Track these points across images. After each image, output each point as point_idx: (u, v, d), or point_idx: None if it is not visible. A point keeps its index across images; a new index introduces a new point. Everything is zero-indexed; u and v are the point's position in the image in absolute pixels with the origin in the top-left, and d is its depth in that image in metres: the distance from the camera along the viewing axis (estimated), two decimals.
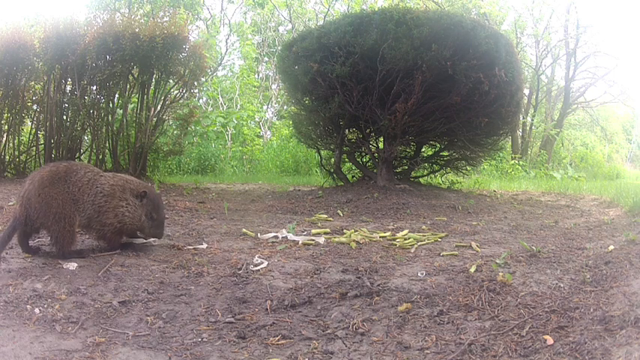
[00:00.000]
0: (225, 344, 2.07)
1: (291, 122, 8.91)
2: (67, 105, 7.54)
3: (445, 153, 7.44)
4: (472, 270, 2.90)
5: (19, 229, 2.97)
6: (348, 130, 7.14)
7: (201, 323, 2.26)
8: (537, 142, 18.05)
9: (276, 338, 2.11)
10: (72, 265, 2.87)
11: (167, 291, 2.61)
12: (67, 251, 3.00)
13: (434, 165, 7.62)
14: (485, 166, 12.53)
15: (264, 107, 17.53)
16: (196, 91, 12.16)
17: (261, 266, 3.02)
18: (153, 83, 7.63)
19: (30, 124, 8.10)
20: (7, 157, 7.55)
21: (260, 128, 16.04)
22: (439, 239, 3.88)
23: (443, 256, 3.33)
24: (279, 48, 11.31)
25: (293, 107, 8.03)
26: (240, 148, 13.69)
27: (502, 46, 6.03)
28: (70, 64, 7.01)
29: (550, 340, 1.91)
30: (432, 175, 7.94)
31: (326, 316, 2.35)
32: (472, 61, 5.67)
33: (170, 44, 7.01)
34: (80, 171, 3.14)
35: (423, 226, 4.43)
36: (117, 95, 7.60)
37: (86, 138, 8.34)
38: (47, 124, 7.35)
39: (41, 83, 7.58)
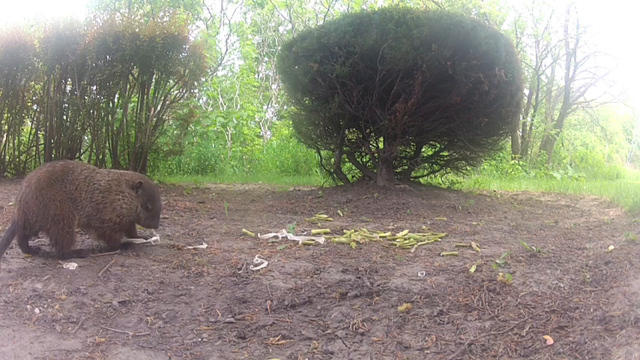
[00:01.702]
0: (225, 344, 2.07)
1: (291, 122, 8.90)
2: (67, 105, 7.54)
3: (445, 153, 7.43)
4: (472, 270, 2.90)
5: (17, 233, 2.96)
6: (348, 130, 7.14)
7: (201, 323, 2.26)
8: (537, 142, 18.05)
9: (276, 338, 2.11)
10: (72, 265, 2.87)
11: (167, 291, 2.61)
12: (66, 252, 3.00)
13: (434, 165, 7.62)
14: (485, 166, 12.52)
15: (264, 107, 17.53)
16: (196, 91, 12.17)
17: (261, 266, 3.02)
18: (153, 83, 7.63)
19: (30, 124, 8.10)
20: (7, 157, 7.55)
21: (260, 128, 16.04)
22: (439, 239, 3.88)
23: (443, 256, 3.33)
24: (279, 48, 11.31)
25: (293, 107, 8.03)
26: (240, 148, 13.69)
27: (502, 46, 6.03)
28: (70, 64, 7.01)
29: (550, 340, 1.91)
30: (432, 175, 7.94)
31: (326, 316, 2.35)
32: (472, 61, 5.67)
33: (170, 44, 7.01)
34: (76, 169, 3.13)
35: (423, 226, 4.43)
36: (117, 95, 7.60)
37: (86, 138, 8.34)
38: (47, 124, 7.35)
39: (41, 83, 7.59)
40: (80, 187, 3.07)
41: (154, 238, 3.61)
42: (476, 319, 2.22)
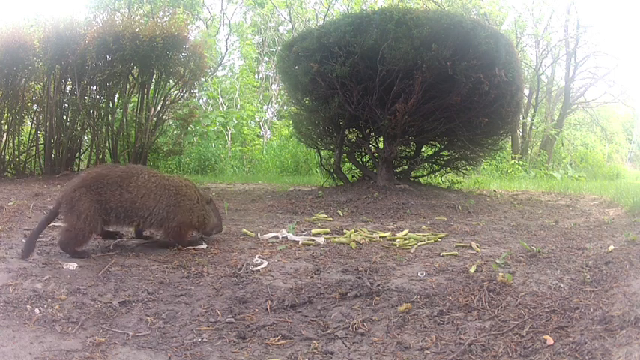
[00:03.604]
0: (225, 344, 2.07)
1: (291, 122, 8.90)
2: (67, 105, 7.55)
3: (445, 153, 7.43)
4: (472, 270, 2.89)
5: (53, 219, 3.16)
6: (348, 130, 7.14)
7: (201, 323, 2.26)
8: (537, 142, 18.05)
9: (276, 338, 2.11)
10: (72, 265, 2.87)
11: (167, 291, 2.61)
12: (72, 250, 3.04)
13: (434, 165, 7.62)
14: (485, 166, 12.52)
15: (264, 107, 17.52)
16: (196, 91, 12.18)
17: (261, 266, 3.02)
18: (153, 83, 7.63)
19: (30, 124, 8.11)
20: (7, 157, 7.56)
21: (260, 128, 16.03)
22: (439, 239, 3.88)
23: (443, 256, 3.33)
24: (279, 48, 11.30)
25: (293, 107, 8.02)
26: (240, 148, 13.68)
27: (502, 46, 6.02)
28: (70, 64, 7.02)
29: (550, 340, 1.91)
30: (432, 175, 7.94)
31: (326, 316, 2.35)
32: (472, 61, 5.66)
33: (170, 44, 7.02)
34: (141, 176, 3.23)
35: (423, 226, 4.43)
36: (117, 95, 7.60)
37: (86, 138, 8.35)
38: (47, 124, 7.36)
39: (41, 83, 7.60)
40: (148, 193, 3.18)
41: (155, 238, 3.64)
42: (476, 319, 2.22)
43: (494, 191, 7.90)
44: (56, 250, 3.19)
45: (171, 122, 8.86)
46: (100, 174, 3.14)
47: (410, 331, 2.15)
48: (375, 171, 6.87)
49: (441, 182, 8.09)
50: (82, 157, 8.15)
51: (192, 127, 11.05)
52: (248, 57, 16.86)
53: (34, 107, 7.79)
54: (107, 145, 7.64)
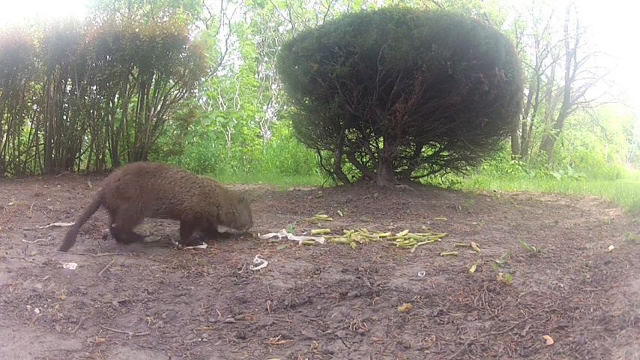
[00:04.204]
0: (225, 344, 2.07)
1: (291, 122, 8.90)
2: (67, 105, 7.55)
3: (445, 153, 7.43)
4: (472, 270, 2.89)
5: (93, 212, 3.44)
6: (348, 130, 7.13)
7: (201, 323, 2.26)
8: (537, 142, 18.03)
9: (276, 338, 2.11)
10: (72, 265, 2.87)
11: (167, 291, 2.61)
12: (127, 230, 3.36)
13: (434, 165, 7.62)
14: (485, 166, 12.51)
15: (264, 107, 17.51)
16: (196, 91, 12.18)
17: (261, 266, 3.02)
18: (153, 83, 7.63)
19: (30, 124, 8.11)
20: (7, 157, 7.56)
21: (260, 128, 16.03)
22: (439, 239, 3.88)
23: (443, 256, 3.33)
24: (279, 48, 11.29)
25: (293, 107, 8.02)
26: (240, 148, 13.68)
27: (502, 46, 6.02)
28: (70, 64, 7.02)
29: (550, 340, 1.91)
30: (432, 175, 7.93)
31: (326, 316, 2.35)
32: (472, 61, 5.66)
33: (170, 44, 7.02)
34: (172, 169, 3.61)
35: (423, 226, 4.43)
36: (117, 95, 7.60)
37: (86, 138, 8.35)
38: (47, 124, 7.36)
39: (41, 83, 7.59)
40: (174, 183, 3.49)
41: (148, 238, 3.64)
42: (476, 319, 2.22)
43: (494, 191, 7.90)
44: (56, 250, 3.19)
45: (171, 122, 8.86)
46: (140, 165, 3.62)
47: (410, 331, 2.16)
48: (375, 171, 6.87)
49: (441, 182, 8.09)
50: (82, 157, 8.14)
51: (192, 127, 11.05)
52: (248, 57, 16.85)
53: (34, 107, 7.79)
54: (107, 145, 7.64)
